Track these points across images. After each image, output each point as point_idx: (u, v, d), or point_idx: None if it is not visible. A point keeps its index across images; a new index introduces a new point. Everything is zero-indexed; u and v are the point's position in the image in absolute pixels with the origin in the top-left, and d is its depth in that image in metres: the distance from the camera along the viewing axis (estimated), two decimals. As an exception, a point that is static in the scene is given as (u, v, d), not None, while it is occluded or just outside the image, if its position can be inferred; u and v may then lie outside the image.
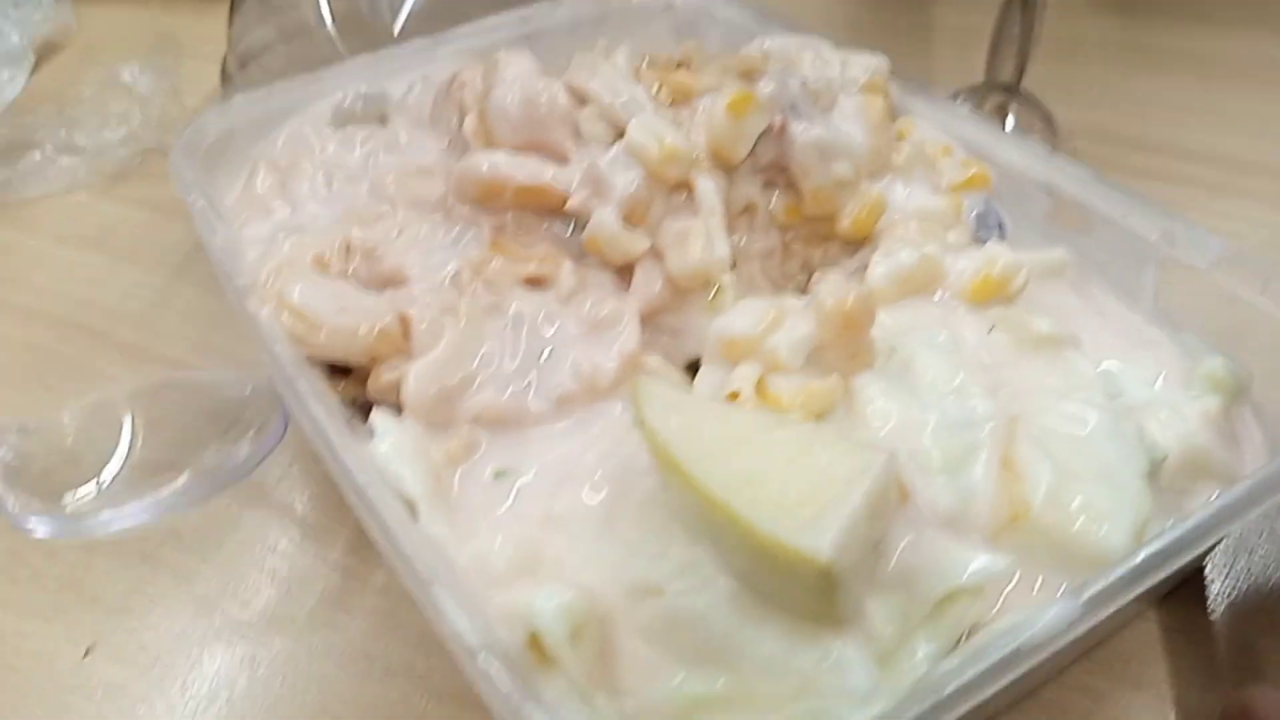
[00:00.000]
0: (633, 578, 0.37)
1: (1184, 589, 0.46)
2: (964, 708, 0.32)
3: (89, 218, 0.75)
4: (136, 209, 0.75)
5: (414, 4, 0.70)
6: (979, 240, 0.50)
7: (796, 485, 0.33)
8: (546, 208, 0.49)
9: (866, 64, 0.55)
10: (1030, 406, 0.41)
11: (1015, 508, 0.38)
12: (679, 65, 0.55)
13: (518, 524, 0.40)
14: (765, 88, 0.49)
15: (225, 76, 0.74)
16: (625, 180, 0.47)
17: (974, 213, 0.51)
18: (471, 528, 0.40)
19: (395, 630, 0.47)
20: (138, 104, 0.80)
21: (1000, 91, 0.71)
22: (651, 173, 0.47)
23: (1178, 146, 0.73)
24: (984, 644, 0.34)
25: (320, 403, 0.42)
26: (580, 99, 0.51)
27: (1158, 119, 0.76)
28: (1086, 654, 0.44)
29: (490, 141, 0.50)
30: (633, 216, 0.48)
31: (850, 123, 0.51)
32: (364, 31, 0.68)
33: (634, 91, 0.51)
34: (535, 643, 0.35)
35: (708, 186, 0.48)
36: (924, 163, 0.52)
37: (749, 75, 0.51)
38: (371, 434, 0.43)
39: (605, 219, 0.47)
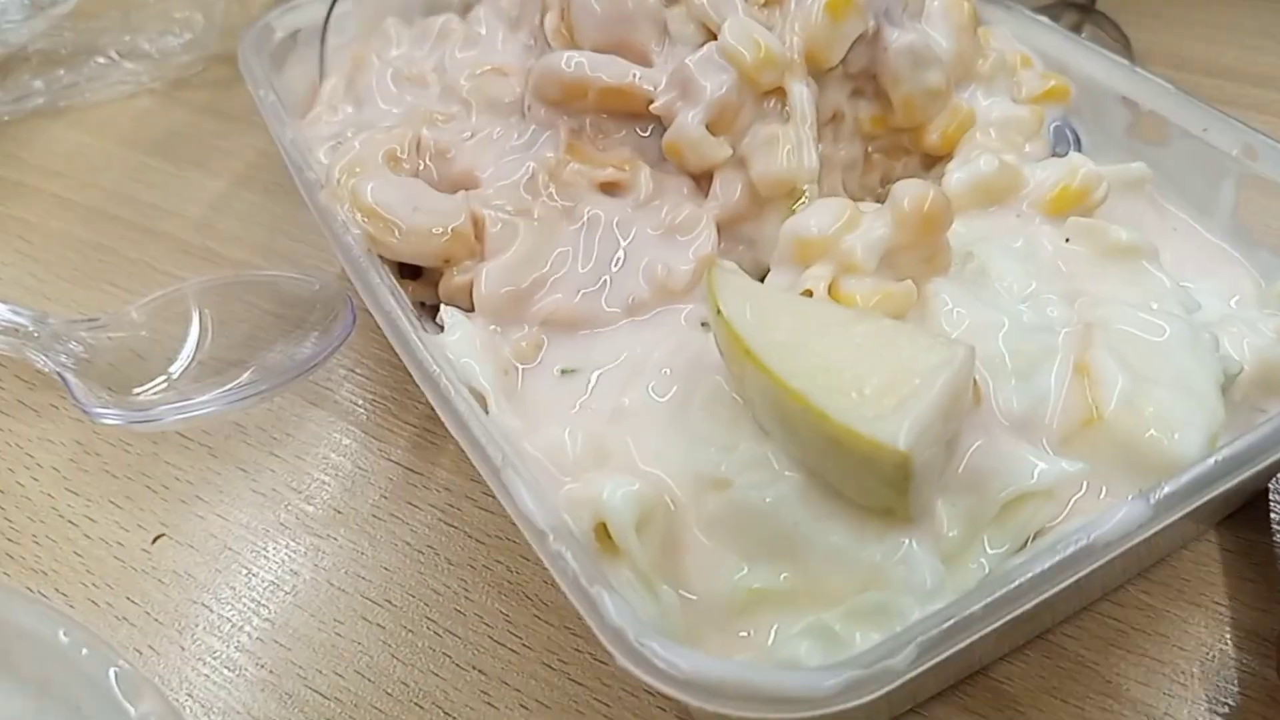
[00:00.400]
0: (700, 470, 0.37)
1: (1244, 512, 0.46)
2: (1032, 602, 0.32)
3: (153, 122, 0.75)
4: (199, 114, 0.75)
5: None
6: (1056, 154, 0.50)
7: (875, 376, 0.33)
8: (628, 110, 0.48)
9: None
10: (1106, 315, 0.40)
11: (1088, 412, 0.37)
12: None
13: (586, 418, 0.41)
14: None
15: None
16: (715, 84, 0.46)
17: (1051, 125, 0.50)
18: (540, 421, 0.41)
19: (457, 525, 0.47)
20: (200, 9, 0.80)
21: (1075, 11, 0.70)
22: (744, 77, 0.46)
23: (1253, 73, 0.72)
24: (1054, 540, 0.34)
25: (392, 295, 0.42)
26: (669, -3, 0.50)
27: (1234, 44, 0.74)
28: (1144, 572, 0.44)
29: (572, 40, 0.49)
30: (719, 123, 0.46)
31: (938, 28, 0.50)
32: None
33: None
34: (602, 531, 0.36)
35: (801, 92, 0.46)
36: (1006, 72, 0.51)
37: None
38: (440, 330, 0.43)
39: (688, 123, 0.46)
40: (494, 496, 0.46)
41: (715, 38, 0.47)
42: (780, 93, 0.47)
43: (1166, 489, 0.34)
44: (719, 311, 0.36)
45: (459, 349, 0.42)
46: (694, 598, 0.37)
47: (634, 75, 0.48)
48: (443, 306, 0.45)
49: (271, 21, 0.57)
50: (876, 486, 0.34)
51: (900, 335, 0.35)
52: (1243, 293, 0.45)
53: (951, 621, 0.31)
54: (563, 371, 0.43)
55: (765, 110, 0.47)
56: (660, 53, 0.48)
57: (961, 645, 0.31)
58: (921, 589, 0.34)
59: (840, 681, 0.29)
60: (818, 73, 0.48)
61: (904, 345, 0.34)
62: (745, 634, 0.36)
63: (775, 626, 0.36)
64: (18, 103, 0.76)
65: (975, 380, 0.37)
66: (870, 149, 0.51)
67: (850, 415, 0.32)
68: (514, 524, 0.36)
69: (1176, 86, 0.49)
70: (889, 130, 0.50)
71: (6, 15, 0.74)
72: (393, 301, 0.42)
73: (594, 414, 0.42)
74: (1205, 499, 0.34)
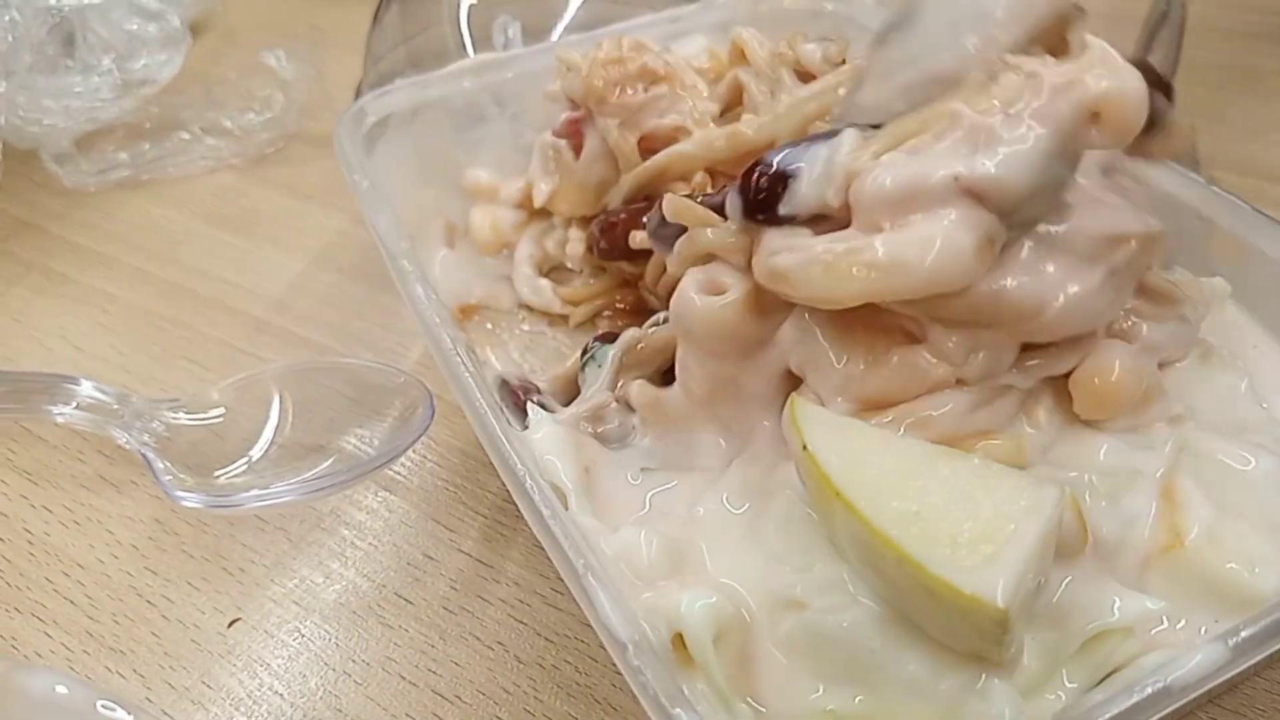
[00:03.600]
0: (776, 589, 0.38)
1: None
2: (1108, 742, 0.32)
3: (232, 198, 0.77)
4: (278, 192, 0.77)
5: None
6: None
7: (968, 523, 0.33)
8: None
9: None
10: (1196, 440, 0.41)
11: (1170, 539, 0.38)
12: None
13: (661, 521, 0.42)
14: None
15: (359, 96, 0.75)
16: None
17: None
18: (616, 521, 0.41)
19: (527, 622, 0.47)
20: (281, 88, 0.82)
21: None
22: None
23: (1324, 180, 0.71)
24: (1132, 680, 0.34)
25: (479, 390, 0.43)
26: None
27: (1305, 151, 0.74)
28: (1216, 699, 0.43)
29: None
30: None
31: None
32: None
33: None
34: (678, 641, 0.36)
35: None
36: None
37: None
38: (524, 424, 0.45)
39: None
40: (563, 593, 0.46)
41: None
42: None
43: (1244, 633, 0.34)
44: (805, 447, 0.36)
45: (543, 446, 0.43)
46: (765, 712, 0.37)
47: None
48: (529, 405, 0.46)
49: (365, 106, 0.58)
50: (970, 636, 0.34)
51: (989, 476, 0.35)
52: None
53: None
54: (640, 471, 0.44)
55: None
56: None
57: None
58: (1000, 722, 0.34)
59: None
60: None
61: (994, 487, 0.34)
62: (818, 753, 0.36)
63: (849, 751, 0.36)
64: (102, 174, 0.78)
65: (1084, 519, 0.37)
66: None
67: (946, 567, 0.32)
68: (584, 623, 0.36)
69: (1254, 208, 0.49)
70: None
71: (99, 94, 0.76)
72: (479, 397, 0.43)
73: (669, 518, 0.42)
74: (1285, 642, 0.34)
